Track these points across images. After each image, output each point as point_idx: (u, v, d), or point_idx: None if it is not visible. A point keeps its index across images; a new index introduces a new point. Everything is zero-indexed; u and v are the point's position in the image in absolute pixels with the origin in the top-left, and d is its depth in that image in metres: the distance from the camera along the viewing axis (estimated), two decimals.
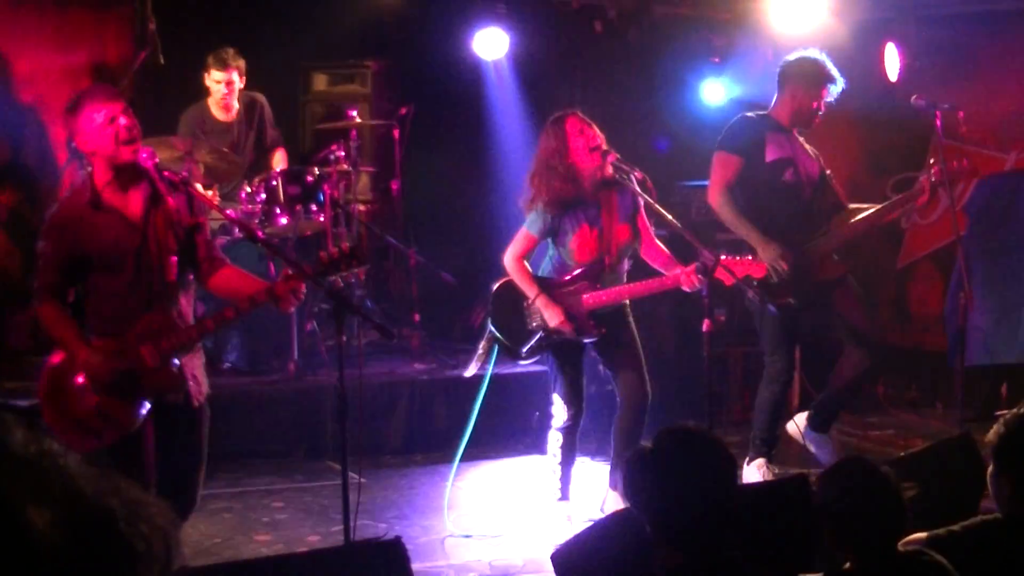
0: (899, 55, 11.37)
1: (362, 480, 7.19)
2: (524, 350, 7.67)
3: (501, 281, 7.79)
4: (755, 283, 7.44)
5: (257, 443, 9.31)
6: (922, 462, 6.09)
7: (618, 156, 7.51)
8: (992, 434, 4.49)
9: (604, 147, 7.47)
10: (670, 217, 7.48)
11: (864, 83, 10.92)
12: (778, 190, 8.22)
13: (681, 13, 12.13)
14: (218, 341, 9.92)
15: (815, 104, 8.24)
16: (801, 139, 8.39)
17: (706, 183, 11.10)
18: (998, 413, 4.69)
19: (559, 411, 7.66)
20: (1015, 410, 4.49)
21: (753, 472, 8.42)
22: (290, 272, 5.89)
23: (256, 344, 10.00)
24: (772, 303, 8.08)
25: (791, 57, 8.45)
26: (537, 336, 7.60)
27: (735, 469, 4.00)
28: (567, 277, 7.63)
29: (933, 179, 8.04)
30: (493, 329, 7.76)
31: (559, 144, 7.52)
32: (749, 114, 8.43)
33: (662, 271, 7.63)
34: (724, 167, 8.29)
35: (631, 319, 7.81)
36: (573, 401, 7.65)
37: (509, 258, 7.69)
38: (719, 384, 10.37)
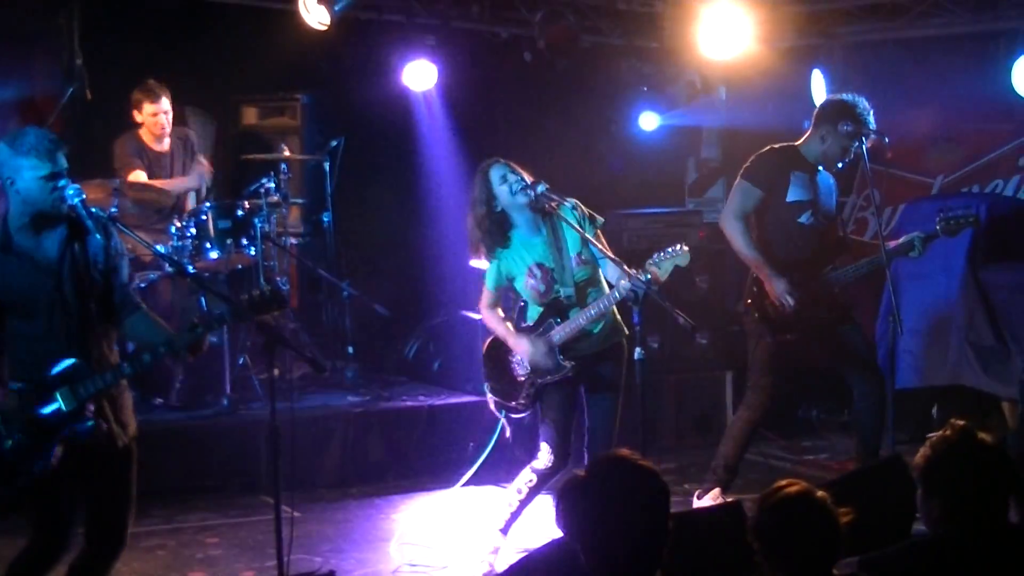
0: (825, 81, 11.47)
1: (296, 514, 7.16)
2: (518, 402, 7.58)
3: (487, 342, 7.79)
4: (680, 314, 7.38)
5: (191, 479, 9.26)
6: (854, 485, 6.14)
7: (548, 187, 7.50)
8: (919, 457, 4.52)
9: (531, 183, 7.43)
10: (601, 245, 7.49)
11: (791, 109, 11.02)
12: (792, 231, 8.21)
13: (610, 43, 12.18)
14: (150, 377, 9.85)
15: (844, 149, 8.24)
16: (828, 174, 8.38)
17: (637, 211, 11.21)
18: (929, 435, 4.72)
19: (543, 455, 7.51)
20: (942, 432, 4.52)
21: (705, 503, 8.35)
22: (195, 322, 5.85)
23: (189, 379, 9.93)
24: (772, 337, 8.11)
25: (831, 98, 8.46)
26: (526, 386, 7.53)
27: (668, 497, 4.00)
28: (535, 320, 7.59)
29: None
30: (487, 389, 7.75)
31: (486, 193, 7.51)
32: (776, 147, 8.37)
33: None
34: (744, 197, 8.27)
35: (623, 362, 7.63)
36: (558, 449, 7.50)
37: (480, 310, 7.76)
38: (652, 411, 10.38)
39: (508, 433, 8.04)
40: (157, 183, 10.21)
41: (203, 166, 10.54)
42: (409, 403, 10.16)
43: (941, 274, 10.13)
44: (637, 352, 7.15)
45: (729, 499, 8.06)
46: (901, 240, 8.22)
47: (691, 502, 8.42)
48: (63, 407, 5.71)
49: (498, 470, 9.63)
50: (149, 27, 11.19)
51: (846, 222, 8.73)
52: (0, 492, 5.72)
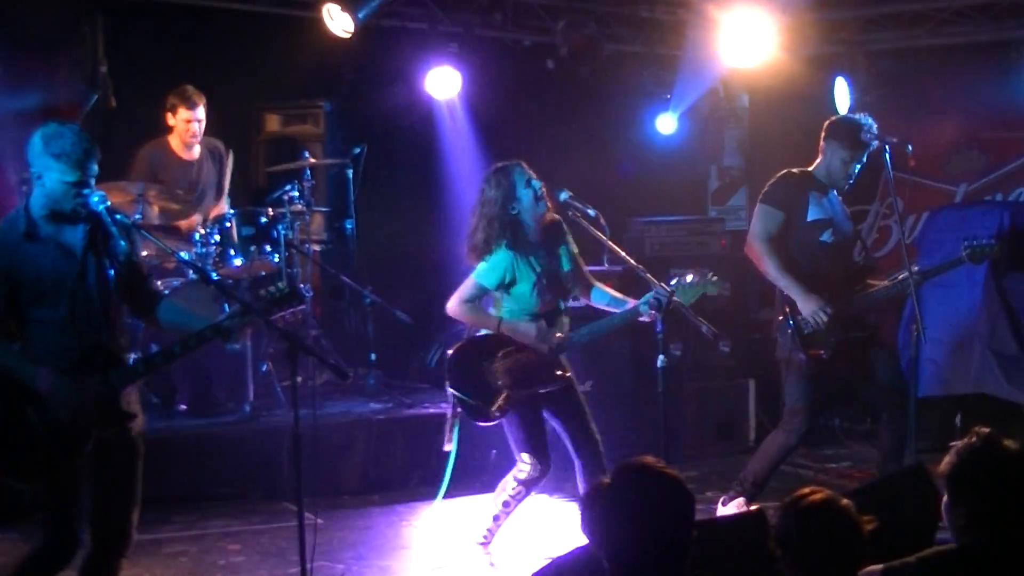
0: (849, 89, 11.46)
1: (318, 521, 7.17)
2: (494, 408, 7.51)
3: (455, 348, 7.70)
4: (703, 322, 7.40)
5: (213, 485, 9.26)
6: (877, 494, 6.11)
7: (571, 194, 7.51)
8: (945, 464, 4.50)
9: (546, 197, 7.48)
10: (623, 253, 7.49)
11: (814, 117, 11.01)
12: (815, 250, 8.21)
13: (632, 50, 12.19)
14: (173, 383, 9.88)
15: (844, 164, 8.26)
16: (839, 198, 8.40)
17: (659, 219, 11.20)
18: (952, 444, 4.68)
19: (525, 465, 7.55)
20: (967, 439, 4.50)
21: (730, 512, 8.34)
22: (239, 309, 5.88)
23: (211, 386, 9.95)
24: (803, 353, 8.09)
25: (833, 117, 8.47)
26: (504, 394, 7.48)
27: (692, 504, 4.00)
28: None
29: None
30: (458, 395, 7.60)
31: (507, 194, 7.51)
32: (794, 171, 8.40)
33: (613, 310, 7.62)
34: (767, 220, 8.26)
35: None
36: (541, 457, 7.55)
37: (457, 303, 7.61)
38: (675, 419, 10.39)
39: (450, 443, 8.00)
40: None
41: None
42: (431, 410, 10.15)
43: (964, 283, 10.10)
44: (660, 360, 7.16)
45: (752, 507, 8.05)
46: (895, 280, 8.20)
47: (714, 510, 8.40)
48: (103, 396, 5.76)
49: None
50: (172, 34, 11.22)
51: (866, 242, 8.70)
52: (46, 475, 5.77)
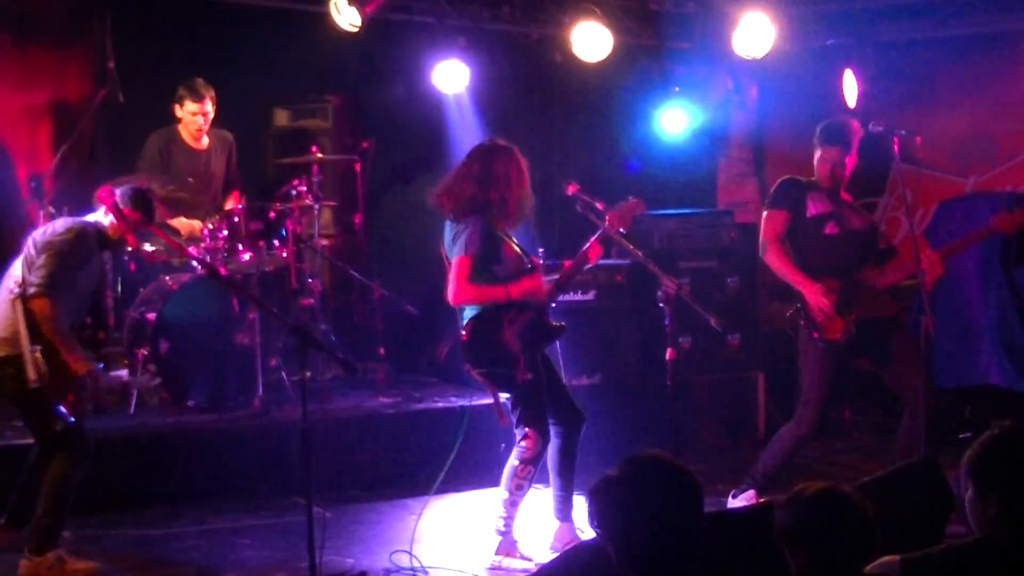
0: (857, 81, 11.44)
1: (328, 515, 7.17)
2: (519, 372, 7.46)
3: (465, 327, 7.57)
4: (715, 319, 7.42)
5: (223, 480, 9.26)
6: (887, 487, 6.11)
7: (579, 187, 7.52)
8: (968, 458, 4.43)
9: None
10: (632, 246, 7.48)
11: (823, 109, 11.00)
12: (822, 243, 8.28)
13: (641, 43, 12.17)
14: (182, 379, 9.88)
15: (837, 163, 8.32)
16: (848, 197, 8.44)
17: (668, 212, 11.19)
18: (962, 436, 4.64)
19: (528, 441, 7.52)
20: (988, 432, 4.44)
21: (740, 504, 8.34)
22: None
23: (220, 381, 9.95)
24: (822, 342, 8.10)
25: (824, 122, 8.56)
26: (522, 358, 7.46)
27: (701, 497, 4.00)
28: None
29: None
30: (483, 370, 7.52)
31: (520, 174, 7.55)
32: (796, 177, 8.49)
33: None
34: (772, 222, 8.39)
35: None
36: (545, 430, 7.57)
37: (459, 289, 7.49)
38: (683, 412, 10.38)
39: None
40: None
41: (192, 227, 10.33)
42: (441, 404, 10.16)
43: (973, 275, 10.10)
44: (668, 353, 7.17)
45: (762, 500, 8.05)
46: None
47: (724, 502, 8.41)
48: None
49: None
50: (181, 30, 11.24)
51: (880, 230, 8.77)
52: None
